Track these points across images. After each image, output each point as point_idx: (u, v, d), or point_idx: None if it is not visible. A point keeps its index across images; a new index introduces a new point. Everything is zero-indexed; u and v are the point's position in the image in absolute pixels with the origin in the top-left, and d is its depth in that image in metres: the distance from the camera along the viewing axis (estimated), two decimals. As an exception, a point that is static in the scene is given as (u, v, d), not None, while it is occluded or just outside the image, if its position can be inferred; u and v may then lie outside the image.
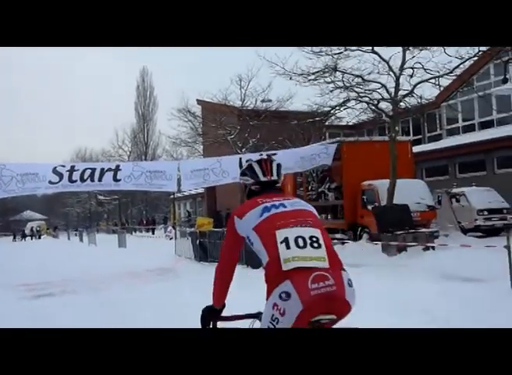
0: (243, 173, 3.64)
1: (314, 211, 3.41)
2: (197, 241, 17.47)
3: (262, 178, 3.50)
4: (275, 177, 3.52)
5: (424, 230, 16.42)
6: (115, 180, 14.86)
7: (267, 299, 3.23)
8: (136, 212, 70.51)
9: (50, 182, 14.25)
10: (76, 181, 14.50)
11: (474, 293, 7.71)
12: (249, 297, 10.48)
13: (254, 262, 13.89)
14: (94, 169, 14.76)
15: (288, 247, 3.08)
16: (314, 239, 3.11)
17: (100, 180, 14.71)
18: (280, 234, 3.13)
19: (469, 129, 28.67)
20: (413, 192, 18.12)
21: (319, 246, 3.11)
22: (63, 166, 14.75)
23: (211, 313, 3.62)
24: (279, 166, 3.60)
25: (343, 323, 3.53)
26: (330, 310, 3.06)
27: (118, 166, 15.22)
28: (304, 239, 3.09)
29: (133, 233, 51.77)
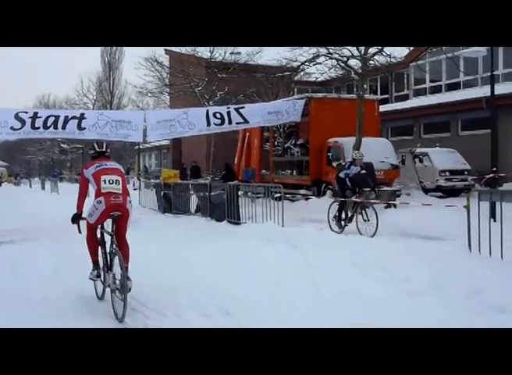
0: (91, 147, 7.45)
1: (121, 168, 7.13)
2: (162, 193, 17.39)
3: (98, 149, 7.26)
4: (104, 149, 7.28)
5: (386, 188, 16.64)
6: (80, 128, 14.53)
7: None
8: (99, 161, 69.46)
9: (11, 128, 13.87)
10: (38, 128, 14.14)
11: (433, 251, 7.88)
12: (215, 244, 10.57)
13: (217, 215, 13.94)
14: (57, 117, 14.39)
15: (105, 183, 6.65)
16: (117, 181, 6.72)
17: (64, 127, 14.36)
18: (103, 177, 6.68)
19: (436, 90, 28.84)
20: (378, 151, 18.27)
21: (118, 184, 6.71)
22: (26, 113, 14.33)
23: (77, 216, 7.15)
24: (107, 144, 7.48)
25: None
26: (117, 210, 6.71)
27: (82, 115, 14.85)
28: (112, 180, 6.69)
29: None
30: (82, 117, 14.58)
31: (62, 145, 64.95)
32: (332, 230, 11.79)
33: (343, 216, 12.54)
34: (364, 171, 12.43)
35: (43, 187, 43.30)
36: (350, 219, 12.27)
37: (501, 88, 20.72)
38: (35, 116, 14.17)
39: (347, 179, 12.47)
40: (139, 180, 28.46)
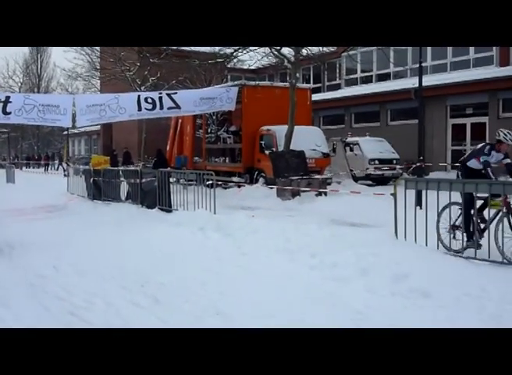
0: None
1: None
2: (91, 180, 17.01)
3: None
4: None
5: (318, 176, 16.88)
6: (5, 113, 13.97)
7: None
8: (26, 147, 67.42)
9: None
10: (-41, 112, 13.56)
11: (360, 237, 8.06)
12: (145, 232, 10.45)
13: (148, 202, 13.77)
14: (-20, 100, 13.83)
15: None
16: None
17: (-13, 111, 13.82)
18: None
19: (367, 80, 29.39)
20: (309, 139, 18.47)
21: None
22: None
23: None
24: None
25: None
26: None
27: (8, 98, 14.29)
28: None
29: (24, 168, 49.62)
30: (7, 101, 14.04)
31: (-14, 129, 62.47)
32: (449, 250, 7.64)
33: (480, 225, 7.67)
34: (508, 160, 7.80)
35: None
36: (483, 231, 7.54)
37: (429, 80, 21.36)
38: (-43, 98, 13.57)
39: (489, 169, 7.59)
40: (68, 165, 27.75)
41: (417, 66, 14.87)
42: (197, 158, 23.27)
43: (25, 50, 64.88)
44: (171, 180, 13.88)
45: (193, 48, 30.17)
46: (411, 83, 22.27)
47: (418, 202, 8.66)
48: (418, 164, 14.47)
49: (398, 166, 21.72)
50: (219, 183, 17.89)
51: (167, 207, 13.03)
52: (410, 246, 7.37)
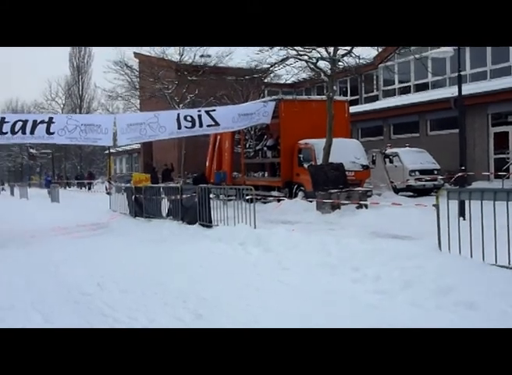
0: None
1: None
2: (133, 197, 17.25)
3: None
4: None
5: (357, 188, 16.75)
6: (48, 133, 14.38)
7: None
8: (70, 166, 68.86)
9: (-22, 134, 13.69)
10: (6, 133, 13.96)
11: (403, 250, 7.93)
12: (187, 247, 10.54)
13: (189, 218, 13.87)
14: (25, 121, 14.23)
15: None
16: None
17: (32, 132, 14.20)
18: None
19: (405, 91, 29.14)
20: (348, 152, 18.38)
21: None
22: (-8, 118, 14.14)
23: None
24: None
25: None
26: None
27: (51, 119, 14.71)
28: None
29: (67, 188, 50.66)
30: (51, 121, 14.44)
31: (31, 150, 64.03)
32: None
33: None
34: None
35: (12, 193, 42.65)
36: None
37: (468, 88, 21.06)
38: (2, 120, 14.01)
39: None
40: (110, 183, 28.20)
41: (456, 74, 14.67)
42: (236, 173, 23.36)
43: (67, 72, 66.59)
44: (211, 195, 13.97)
45: (229, 65, 30.49)
46: (450, 92, 21.97)
47: (461, 213, 8.50)
48: (460, 174, 14.23)
49: (439, 177, 21.41)
50: (259, 197, 17.92)
51: (207, 223, 13.10)
52: (455, 258, 7.22)
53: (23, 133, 14.09)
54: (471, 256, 7.21)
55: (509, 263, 6.80)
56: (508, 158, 22.65)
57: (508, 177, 20.43)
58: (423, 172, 21.51)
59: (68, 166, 68.39)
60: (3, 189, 59.17)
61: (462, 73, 15.18)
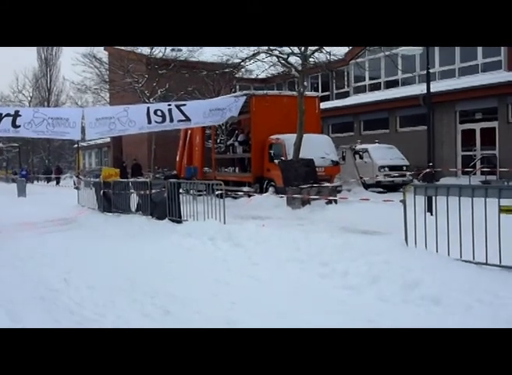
0: None
1: None
2: (101, 192, 17.07)
3: None
4: None
5: (327, 184, 16.85)
6: (14, 126, 14.12)
7: None
8: (37, 160, 67.85)
9: None
10: (-30, 126, 13.69)
11: (371, 245, 8.00)
12: (156, 243, 10.48)
13: (158, 213, 13.79)
14: (-10, 114, 13.96)
15: None
16: None
17: (-3, 125, 13.95)
18: None
19: (375, 87, 29.36)
20: (318, 147, 18.46)
21: None
22: (-44, 110, 13.86)
23: None
24: None
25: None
26: None
27: (17, 112, 14.45)
28: None
29: (35, 182, 49.93)
30: (17, 114, 14.19)
31: (-2, 144, 62.91)
32: None
33: None
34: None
35: (-23, 188, 41.80)
36: None
37: (437, 86, 21.32)
38: (-34, 113, 13.70)
39: None
40: (79, 178, 27.87)
41: (425, 72, 14.84)
42: (206, 168, 23.32)
43: (34, 64, 65.64)
44: (180, 190, 13.90)
45: (200, 59, 30.35)
46: (420, 89, 22.22)
47: (428, 208, 8.61)
48: (428, 170, 14.41)
49: (408, 173, 21.64)
50: (229, 193, 17.89)
51: (177, 218, 13.04)
52: (421, 253, 7.32)
53: (-12, 126, 13.83)
54: (437, 251, 7.32)
55: (473, 258, 6.92)
56: (475, 156, 23.01)
57: (475, 174, 20.76)
58: (392, 168, 21.74)
59: (35, 160, 67.38)
60: None
61: (431, 70, 15.34)
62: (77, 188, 22.74)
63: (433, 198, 8.30)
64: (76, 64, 32.18)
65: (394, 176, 21.48)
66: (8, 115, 14.03)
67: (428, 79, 14.58)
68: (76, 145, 46.98)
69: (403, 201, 8.02)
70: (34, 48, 64.69)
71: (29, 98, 62.33)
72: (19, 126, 14.07)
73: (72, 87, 39.68)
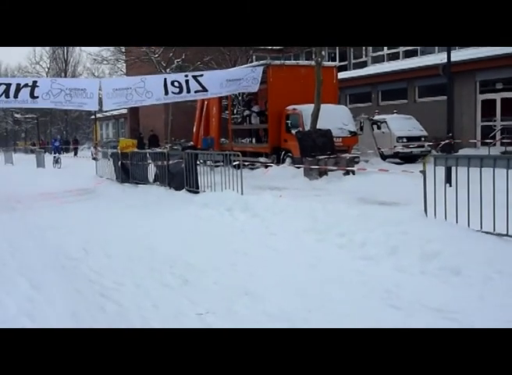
0: None
1: None
2: (119, 163, 17.14)
3: None
4: None
5: (345, 155, 16.74)
6: (32, 97, 14.15)
7: None
8: (55, 131, 68.23)
9: (-40, 97, 13.47)
10: (-11, 97, 13.74)
11: (389, 216, 7.97)
12: (173, 213, 10.54)
13: (176, 184, 13.82)
14: (9, 85, 13.98)
15: None
16: None
17: (16, 96, 13.97)
18: None
19: (394, 57, 28.94)
20: (336, 118, 18.30)
21: None
22: (-25, 81, 13.90)
23: None
24: None
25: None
26: None
27: (35, 82, 14.45)
28: None
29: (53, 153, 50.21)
30: (35, 85, 14.21)
31: (16, 115, 63.26)
32: None
33: None
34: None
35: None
36: None
37: (457, 55, 20.94)
38: (-16, 84, 13.74)
39: None
40: (96, 149, 28.00)
41: (446, 40, 14.54)
42: (223, 139, 23.27)
43: (51, 35, 65.32)
44: (198, 161, 13.90)
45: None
46: (439, 58, 21.85)
47: (448, 179, 8.53)
48: (447, 141, 14.24)
49: (427, 144, 21.43)
50: (246, 163, 17.86)
51: (194, 188, 13.07)
52: (440, 224, 7.27)
53: (7, 97, 13.86)
54: (457, 222, 7.26)
55: (494, 229, 6.85)
56: (495, 126, 22.69)
57: (494, 144, 20.50)
58: (410, 139, 21.52)
59: (53, 132, 67.74)
60: None
61: (451, 39, 15.04)
62: (95, 159, 22.86)
63: (453, 168, 8.21)
64: (92, 34, 32.02)
65: (412, 147, 21.28)
66: (26, 85, 14.06)
67: (448, 48, 14.31)
68: (93, 116, 47.09)
69: (423, 172, 7.94)
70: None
71: (46, 69, 62.49)
72: (37, 97, 14.10)
73: (89, 58, 39.75)
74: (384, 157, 20.82)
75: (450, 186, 8.17)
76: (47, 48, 63.37)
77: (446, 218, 7.41)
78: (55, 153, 33.74)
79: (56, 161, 29.31)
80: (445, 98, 16.31)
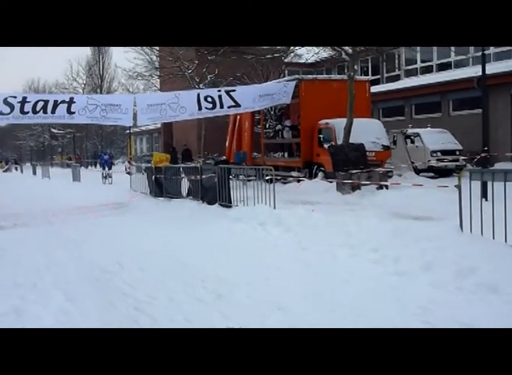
0: None
1: None
2: (153, 177, 17.32)
3: None
4: None
5: (378, 169, 16.62)
6: (69, 112, 14.45)
7: None
8: (90, 146, 69.36)
9: (0, 113, 13.80)
10: (28, 113, 14.04)
11: (424, 231, 7.87)
12: (206, 227, 10.57)
13: (209, 198, 13.89)
14: (47, 101, 14.29)
15: None
16: None
17: (53, 112, 14.28)
18: None
19: (427, 70, 28.73)
20: (369, 132, 18.20)
21: None
22: (14, 97, 14.22)
23: None
24: None
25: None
26: None
27: (72, 99, 14.78)
28: None
29: (89, 167, 51.06)
30: (71, 101, 14.50)
31: (53, 130, 64.52)
32: None
33: None
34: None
35: (34, 173, 43.08)
36: None
37: (492, 68, 20.67)
38: (24, 100, 14.08)
39: None
40: (130, 163, 28.33)
41: (480, 54, 14.41)
42: (255, 153, 23.33)
43: (87, 52, 66.73)
44: (231, 176, 13.96)
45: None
46: (474, 71, 21.61)
47: (484, 194, 8.40)
48: (483, 155, 14.04)
49: (461, 157, 21.14)
50: (278, 178, 17.87)
51: (227, 203, 13.11)
52: (477, 240, 7.14)
53: (45, 112, 14.17)
54: (493, 238, 7.13)
55: (532, 245, 6.71)
56: (532, 139, 22.29)
57: (532, 159, 20.13)
58: (445, 152, 21.25)
59: (89, 146, 68.87)
60: (16, 168, 59.86)
61: (486, 52, 14.90)
62: (129, 173, 23.13)
63: (489, 183, 8.09)
64: (127, 51, 32.58)
65: (447, 161, 21.01)
66: (63, 101, 14.36)
67: (483, 61, 14.15)
68: (127, 131, 47.74)
69: (458, 187, 7.84)
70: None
71: (82, 85, 63.63)
72: (74, 112, 14.38)
73: (124, 73, 40.25)
74: (418, 171, 20.59)
75: (486, 200, 8.05)
76: (83, 65, 64.66)
77: (482, 233, 7.28)
78: (104, 168, 32.03)
79: (106, 176, 28.15)
80: (479, 111, 16.11)
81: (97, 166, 51.43)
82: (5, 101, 13.81)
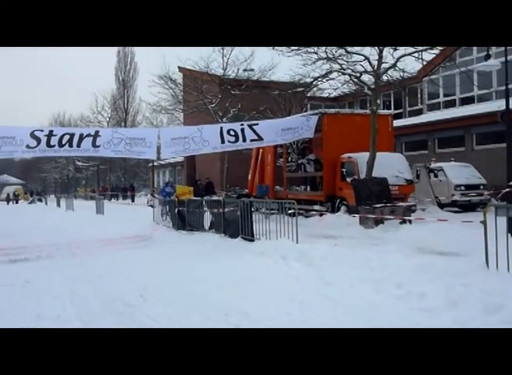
0: None
1: None
2: (176, 210, 17.41)
3: None
4: None
5: (401, 203, 16.51)
6: (94, 146, 14.67)
7: None
8: (114, 179, 70.07)
9: (27, 146, 14.05)
10: (54, 146, 14.29)
11: (449, 267, 7.78)
12: (229, 261, 10.55)
13: (231, 232, 13.90)
14: (72, 135, 14.54)
15: None
16: None
17: (78, 145, 14.51)
18: None
19: (450, 104, 28.73)
20: (392, 166, 18.17)
21: None
22: (41, 131, 14.51)
23: None
24: None
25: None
26: None
27: (97, 132, 15.01)
28: None
29: (112, 200, 51.51)
30: (97, 135, 14.73)
31: (77, 163, 65.42)
32: None
33: None
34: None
35: (58, 205, 43.56)
36: None
37: (516, 102, 20.58)
38: (50, 134, 14.34)
39: None
40: (153, 196, 28.52)
41: (503, 88, 14.38)
42: (278, 187, 23.37)
43: (113, 86, 67.97)
44: (253, 209, 13.98)
45: (272, 79, 30.61)
46: (497, 105, 21.57)
47: (510, 230, 8.30)
48: (508, 189, 13.89)
49: (486, 192, 20.94)
50: (301, 211, 17.84)
51: (249, 236, 13.11)
52: (503, 276, 7.04)
53: (70, 146, 14.40)
54: (520, 274, 7.02)
55: (560, 282, 6.59)
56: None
57: (558, 193, 19.84)
58: (469, 187, 21.08)
59: (112, 179, 69.61)
60: (39, 199, 60.63)
61: (510, 86, 14.87)
62: (151, 206, 23.26)
63: (514, 218, 8.00)
64: (152, 85, 33.15)
65: (471, 196, 20.82)
66: (88, 135, 14.60)
67: (507, 94, 14.14)
68: (151, 164, 48.23)
69: (484, 222, 7.75)
70: (113, 71, 67.26)
71: (107, 119, 64.56)
72: (99, 146, 14.60)
73: (148, 107, 40.90)
74: (441, 205, 20.43)
75: (512, 236, 7.94)
76: (108, 99, 65.76)
77: (508, 270, 7.18)
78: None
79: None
80: (504, 145, 16.02)
81: (120, 198, 51.96)
82: (32, 135, 14.08)
